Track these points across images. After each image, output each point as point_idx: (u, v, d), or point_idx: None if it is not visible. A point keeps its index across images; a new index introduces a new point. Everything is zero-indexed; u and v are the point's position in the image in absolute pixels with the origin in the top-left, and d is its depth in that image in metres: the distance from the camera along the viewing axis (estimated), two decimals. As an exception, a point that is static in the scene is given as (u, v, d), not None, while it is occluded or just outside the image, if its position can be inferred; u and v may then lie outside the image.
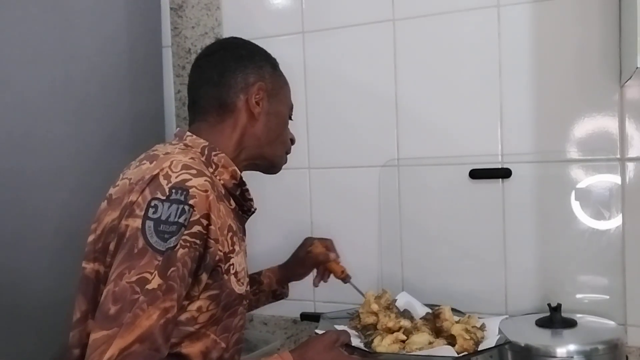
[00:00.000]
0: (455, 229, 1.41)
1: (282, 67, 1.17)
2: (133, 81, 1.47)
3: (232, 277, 0.96)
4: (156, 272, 0.85)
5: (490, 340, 1.08)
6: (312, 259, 1.30)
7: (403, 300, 1.25)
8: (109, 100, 1.41)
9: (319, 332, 1.09)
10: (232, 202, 1.05)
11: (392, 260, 1.48)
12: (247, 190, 1.08)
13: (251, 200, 1.10)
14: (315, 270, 1.34)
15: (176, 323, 0.90)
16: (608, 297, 1.30)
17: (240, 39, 1.17)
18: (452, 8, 1.40)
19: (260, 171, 1.17)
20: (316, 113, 1.55)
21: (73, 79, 1.32)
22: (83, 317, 0.95)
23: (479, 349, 1.06)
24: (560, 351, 1.11)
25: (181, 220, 0.87)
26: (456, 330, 1.09)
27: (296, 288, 1.39)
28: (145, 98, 1.53)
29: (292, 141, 1.19)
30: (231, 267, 0.96)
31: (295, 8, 1.56)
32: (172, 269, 0.86)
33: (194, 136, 1.05)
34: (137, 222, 0.87)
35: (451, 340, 1.08)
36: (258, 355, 1.40)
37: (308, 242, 1.32)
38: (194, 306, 0.92)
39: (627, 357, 1.20)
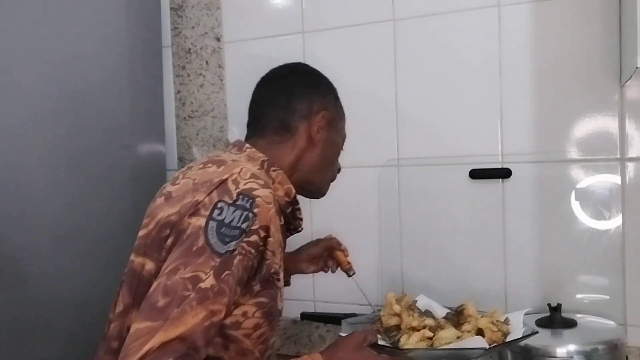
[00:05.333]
0: (455, 229, 1.41)
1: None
2: (133, 81, 1.47)
3: (279, 292, 0.98)
4: (211, 272, 0.85)
5: (516, 332, 1.07)
6: (324, 242, 1.31)
7: (422, 302, 1.22)
8: (108, 100, 1.42)
9: (343, 334, 1.07)
10: (281, 218, 1.05)
11: (392, 260, 1.48)
12: (298, 209, 1.11)
13: (301, 219, 1.12)
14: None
15: (221, 326, 0.90)
16: (608, 297, 1.29)
17: (308, 66, 1.21)
18: (452, 8, 1.40)
19: (304, 195, 1.17)
20: (316, 113, 1.55)
21: (73, 79, 1.32)
22: (126, 309, 0.94)
23: (507, 340, 1.05)
24: (560, 351, 1.11)
25: (243, 226, 0.89)
26: (483, 323, 1.08)
27: (296, 288, 1.38)
28: (145, 98, 1.53)
29: (339, 170, 1.22)
30: (278, 282, 0.98)
31: (295, 8, 1.56)
32: (227, 272, 0.87)
33: (253, 149, 1.07)
34: (201, 221, 0.88)
35: (478, 335, 1.06)
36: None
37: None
38: (239, 310, 0.93)
39: (627, 357, 1.20)
